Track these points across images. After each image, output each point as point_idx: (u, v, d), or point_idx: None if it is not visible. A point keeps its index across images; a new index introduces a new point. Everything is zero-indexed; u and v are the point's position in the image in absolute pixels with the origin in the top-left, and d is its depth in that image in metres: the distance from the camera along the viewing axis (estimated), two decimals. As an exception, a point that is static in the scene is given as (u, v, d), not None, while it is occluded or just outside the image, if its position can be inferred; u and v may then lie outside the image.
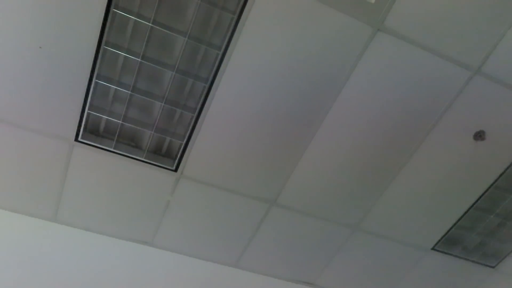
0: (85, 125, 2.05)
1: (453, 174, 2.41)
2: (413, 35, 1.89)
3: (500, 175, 2.43)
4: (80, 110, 1.99)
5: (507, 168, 2.41)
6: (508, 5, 1.84)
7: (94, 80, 1.90)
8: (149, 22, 1.78)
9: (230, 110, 2.06)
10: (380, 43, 1.90)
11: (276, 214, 2.49)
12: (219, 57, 1.89)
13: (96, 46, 1.81)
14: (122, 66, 1.90)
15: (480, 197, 2.52)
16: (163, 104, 2.00)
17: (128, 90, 1.95)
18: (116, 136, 2.10)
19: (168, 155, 2.21)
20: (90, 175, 2.22)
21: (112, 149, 2.12)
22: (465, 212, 2.58)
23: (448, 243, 2.74)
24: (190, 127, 2.10)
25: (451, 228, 2.66)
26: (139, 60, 1.87)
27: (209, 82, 1.96)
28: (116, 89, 1.95)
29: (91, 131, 2.09)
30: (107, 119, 2.05)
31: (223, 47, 1.87)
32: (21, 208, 2.31)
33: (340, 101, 2.07)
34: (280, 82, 1.99)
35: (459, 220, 2.62)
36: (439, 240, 2.72)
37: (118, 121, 2.04)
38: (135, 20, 1.78)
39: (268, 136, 2.17)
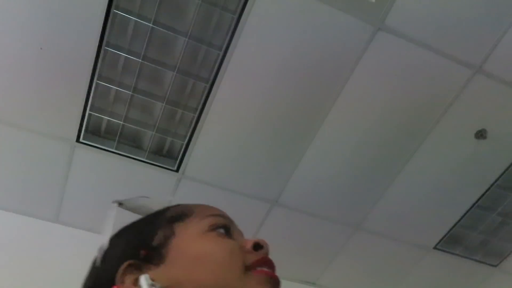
0: (87, 126, 2.05)
1: (455, 173, 2.40)
2: (414, 34, 1.88)
3: (502, 174, 2.43)
4: (81, 111, 1.99)
5: (509, 166, 2.40)
6: (510, 2, 1.84)
7: (95, 81, 1.90)
8: (149, 23, 1.78)
9: (231, 110, 2.06)
10: (380, 42, 1.90)
11: (277, 214, 2.48)
12: (220, 57, 1.89)
13: (97, 47, 1.81)
14: (123, 66, 1.90)
15: (482, 195, 2.51)
16: (164, 104, 2.00)
17: (129, 91, 1.95)
18: (117, 137, 2.10)
19: (169, 155, 2.21)
20: (92, 175, 2.23)
21: (113, 150, 2.12)
22: (467, 211, 2.57)
23: (450, 242, 2.74)
24: (191, 127, 2.09)
25: (453, 227, 2.65)
26: (140, 60, 1.87)
27: (210, 82, 1.96)
28: (117, 89, 1.95)
29: (92, 132, 2.09)
30: (108, 119, 2.05)
31: (224, 47, 1.86)
32: (23, 209, 2.31)
33: (341, 100, 2.07)
34: (280, 82, 1.99)
35: (461, 219, 2.61)
36: (441, 239, 2.71)
37: (119, 121, 2.04)
38: (136, 20, 1.78)
39: (269, 136, 2.17)
